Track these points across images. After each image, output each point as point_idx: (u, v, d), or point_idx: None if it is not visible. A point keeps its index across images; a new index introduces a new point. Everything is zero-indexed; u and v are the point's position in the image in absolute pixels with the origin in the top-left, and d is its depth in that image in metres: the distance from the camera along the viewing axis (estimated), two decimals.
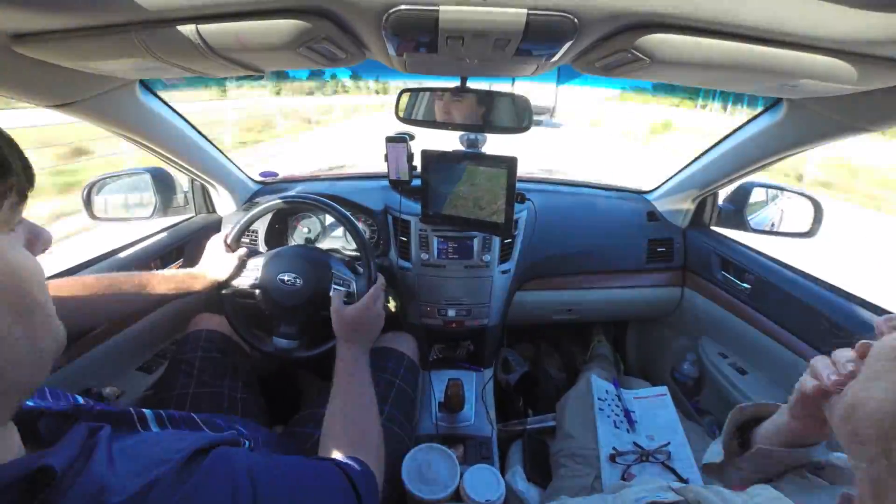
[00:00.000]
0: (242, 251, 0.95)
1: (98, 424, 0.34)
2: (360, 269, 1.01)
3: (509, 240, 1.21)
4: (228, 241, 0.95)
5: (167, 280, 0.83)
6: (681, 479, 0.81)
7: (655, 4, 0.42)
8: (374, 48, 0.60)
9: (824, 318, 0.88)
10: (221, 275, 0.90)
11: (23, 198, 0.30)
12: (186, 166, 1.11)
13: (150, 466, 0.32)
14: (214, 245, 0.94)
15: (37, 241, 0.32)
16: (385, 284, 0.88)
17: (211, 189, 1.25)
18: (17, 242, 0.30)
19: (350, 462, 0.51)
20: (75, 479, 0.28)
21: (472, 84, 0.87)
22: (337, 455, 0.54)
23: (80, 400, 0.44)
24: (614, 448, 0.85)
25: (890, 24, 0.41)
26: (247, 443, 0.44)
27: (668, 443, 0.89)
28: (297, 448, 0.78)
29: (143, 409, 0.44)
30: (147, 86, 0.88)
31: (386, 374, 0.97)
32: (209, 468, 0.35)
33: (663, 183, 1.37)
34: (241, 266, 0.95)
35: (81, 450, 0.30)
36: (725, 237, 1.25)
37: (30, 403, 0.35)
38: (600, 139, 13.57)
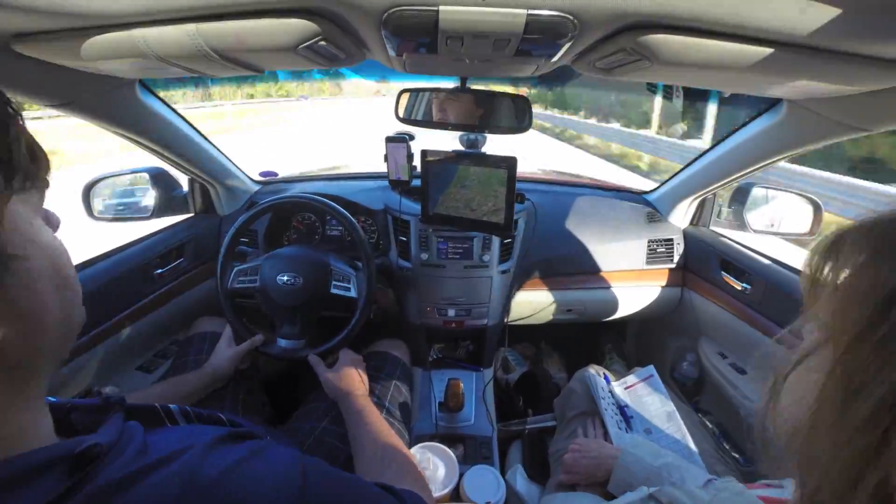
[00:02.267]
0: (247, 344, 0.94)
1: (132, 422, 0.35)
2: (360, 265, 1.01)
3: (509, 240, 1.21)
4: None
5: (171, 387, 0.84)
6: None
7: (655, 4, 0.42)
8: (374, 48, 0.60)
9: None
10: (220, 372, 0.89)
11: (47, 184, 0.32)
12: (186, 166, 1.11)
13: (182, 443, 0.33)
14: (223, 341, 0.95)
15: (48, 224, 0.34)
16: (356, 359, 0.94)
17: (210, 189, 1.25)
18: (44, 222, 0.32)
19: (405, 493, 0.49)
20: (110, 464, 0.29)
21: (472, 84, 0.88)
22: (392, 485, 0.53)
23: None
24: None
25: (889, 24, 0.41)
26: (262, 436, 0.44)
27: (667, 446, 0.88)
28: (297, 444, 0.78)
29: (170, 405, 0.44)
30: (147, 85, 0.89)
31: (382, 375, 0.99)
32: (254, 447, 0.35)
33: (663, 183, 1.37)
34: (239, 273, 0.97)
35: (121, 435, 0.31)
36: (725, 237, 1.25)
37: (54, 399, 0.35)
38: None
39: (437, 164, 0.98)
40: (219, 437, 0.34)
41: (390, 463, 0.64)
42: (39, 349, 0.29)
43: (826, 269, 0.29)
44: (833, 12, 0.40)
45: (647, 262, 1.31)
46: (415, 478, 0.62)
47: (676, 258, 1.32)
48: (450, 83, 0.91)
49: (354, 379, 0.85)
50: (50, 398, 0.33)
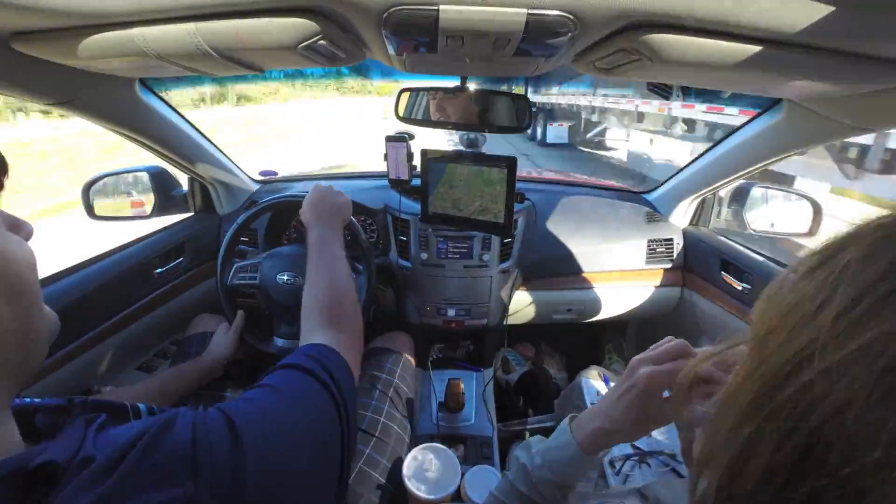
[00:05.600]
0: (237, 320, 0.97)
1: (94, 415, 0.34)
2: (360, 268, 1.01)
3: (509, 239, 1.21)
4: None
5: (170, 377, 0.85)
6: (681, 477, 0.80)
7: (655, 4, 0.42)
8: (374, 48, 0.60)
9: None
10: (217, 356, 0.92)
11: (0, 186, 0.31)
12: (186, 165, 1.11)
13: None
14: (219, 330, 0.97)
15: (18, 231, 0.33)
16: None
17: (210, 188, 1.25)
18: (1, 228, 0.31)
19: (314, 351, 0.48)
20: (76, 473, 0.28)
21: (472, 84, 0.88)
22: (311, 338, 0.52)
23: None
24: (611, 457, 0.85)
25: (888, 23, 0.41)
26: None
27: (667, 448, 0.88)
28: None
29: (139, 404, 0.42)
30: (146, 84, 0.88)
31: (384, 374, 0.97)
32: (168, 415, 0.34)
33: (663, 183, 1.37)
34: (239, 270, 0.97)
35: (81, 447, 0.30)
36: (725, 237, 1.25)
37: (26, 401, 0.35)
38: None
39: (437, 163, 0.98)
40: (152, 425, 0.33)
41: (328, 298, 0.61)
42: None
43: None
44: (833, 12, 0.40)
45: (647, 262, 1.31)
46: (347, 326, 0.58)
47: (676, 258, 1.32)
48: (450, 82, 0.91)
49: (321, 205, 0.79)
50: (16, 400, 0.32)
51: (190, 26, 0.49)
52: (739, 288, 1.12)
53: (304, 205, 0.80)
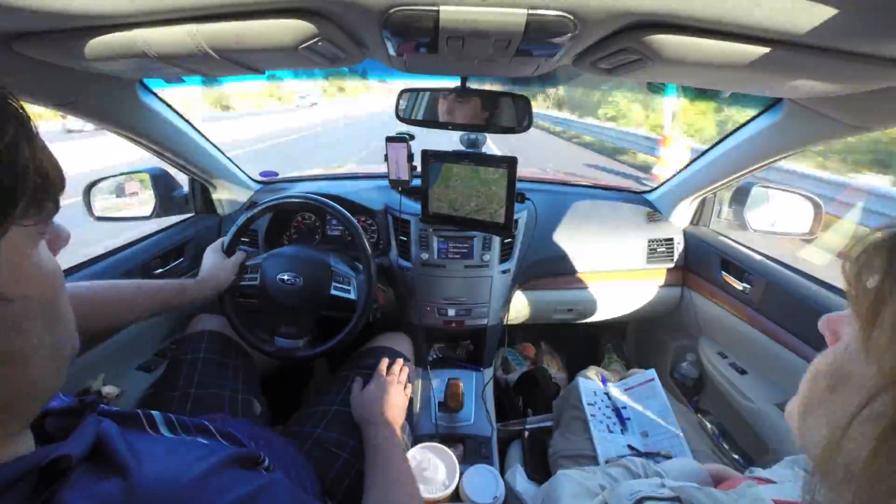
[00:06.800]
0: (241, 255, 0.95)
1: (104, 419, 0.34)
2: (360, 267, 1.01)
3: (509, 239, 1.21)
4: (225, 246, 0.95)
5: (169, 288, 0.82)
6: None
7: (655, 4, 0.42)
8: (375, 48, 0.60)
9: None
10: (222, 282, 0.90)
11: (57, 205, 0.30)
12: (186, 166, 1.12)
13: (174, 472, 0.31)
14: (212, 252, 0.94)
15: (58, 239, 0.33)
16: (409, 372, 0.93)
17: (211, 189, 1.26)
18: (45, 247, 0.30)
19: None
20: (96, 466, 0.28)
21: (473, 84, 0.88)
22: None
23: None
24: (608, 459, 0.85)
25: (889, 23, 0.41)
26: (266, 458, 0.43)
27: (663, 449, 0.88)
28: (297, 447, 0.78)
29: (152, 412, 0.42)
30: (147, 85, 0.89)
31: None
32: (262, 483, 0.33)
33: (664, 183, 1.37)
34: (241, 270, 0.95)
35: (95, 438, 0.30)
36: (725, 237, 1.25)
37: None
38: None
39: (437, 163, 0.98)
40: (224, 462, 0.33)
41: None
42: (25, 392, 0.27)
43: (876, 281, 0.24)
44: (834, 11, 0.40)
45: (648, 262, 1.31)
46: None
47: (676, 258, 1.32)
48: (451, 82, 0.91)
49: (378, 406, 0.81)
50: None
51: (191, 28, 0.49)
52: (740, 288, 1.12)
53: (364, 400, 0.82)
